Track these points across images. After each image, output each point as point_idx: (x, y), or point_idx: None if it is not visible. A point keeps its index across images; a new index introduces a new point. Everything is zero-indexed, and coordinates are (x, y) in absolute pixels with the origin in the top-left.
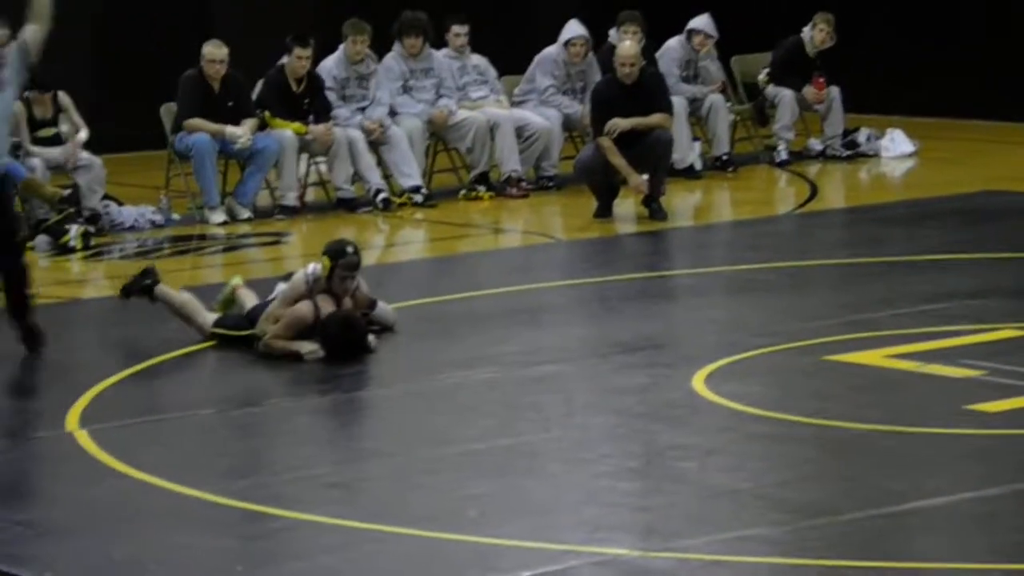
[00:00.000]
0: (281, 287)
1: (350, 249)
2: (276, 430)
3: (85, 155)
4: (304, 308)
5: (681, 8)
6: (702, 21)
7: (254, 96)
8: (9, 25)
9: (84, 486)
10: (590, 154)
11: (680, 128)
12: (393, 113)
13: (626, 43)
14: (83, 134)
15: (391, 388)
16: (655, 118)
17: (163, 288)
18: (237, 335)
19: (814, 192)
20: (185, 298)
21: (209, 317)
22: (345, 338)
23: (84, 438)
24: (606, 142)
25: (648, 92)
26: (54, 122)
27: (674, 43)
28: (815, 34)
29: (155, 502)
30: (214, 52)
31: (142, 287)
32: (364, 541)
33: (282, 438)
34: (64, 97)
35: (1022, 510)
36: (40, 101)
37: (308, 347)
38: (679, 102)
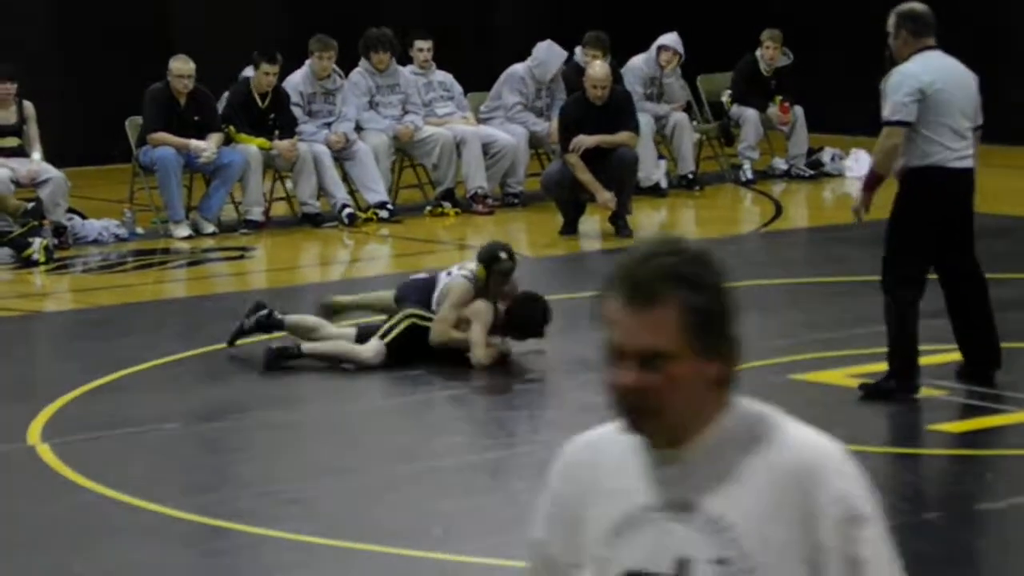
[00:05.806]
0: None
1: (503, 255)
2: (240, 445)
3: (47, 167)
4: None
5: (644, 27)
6: (671, 38)
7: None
8: None
9: (45, 500)
10: (557, 170)
11: (646, 146)
12: (359, 129)
13: (597, 64)
14: (36, 155)
15: (356, 404)
16: (621, 136)
17: (307, 346)
18: (421, 319)
19: (779, 211)
20: (330, 344)
21: (361, 347)
22: (545, 321)
23: (46, 452)
24: (574, 159)
25: (616, 111)
26: (18, 132)
27: (639, 61)
28: (764, 52)
29: (117, 517)
30: (181, 67)
31: (287, 353)
32: (326, 557)
33: (246, 453)
34: (29, 107)
35: (983, 529)
36: (3, 103)
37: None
38: (645, 121)
